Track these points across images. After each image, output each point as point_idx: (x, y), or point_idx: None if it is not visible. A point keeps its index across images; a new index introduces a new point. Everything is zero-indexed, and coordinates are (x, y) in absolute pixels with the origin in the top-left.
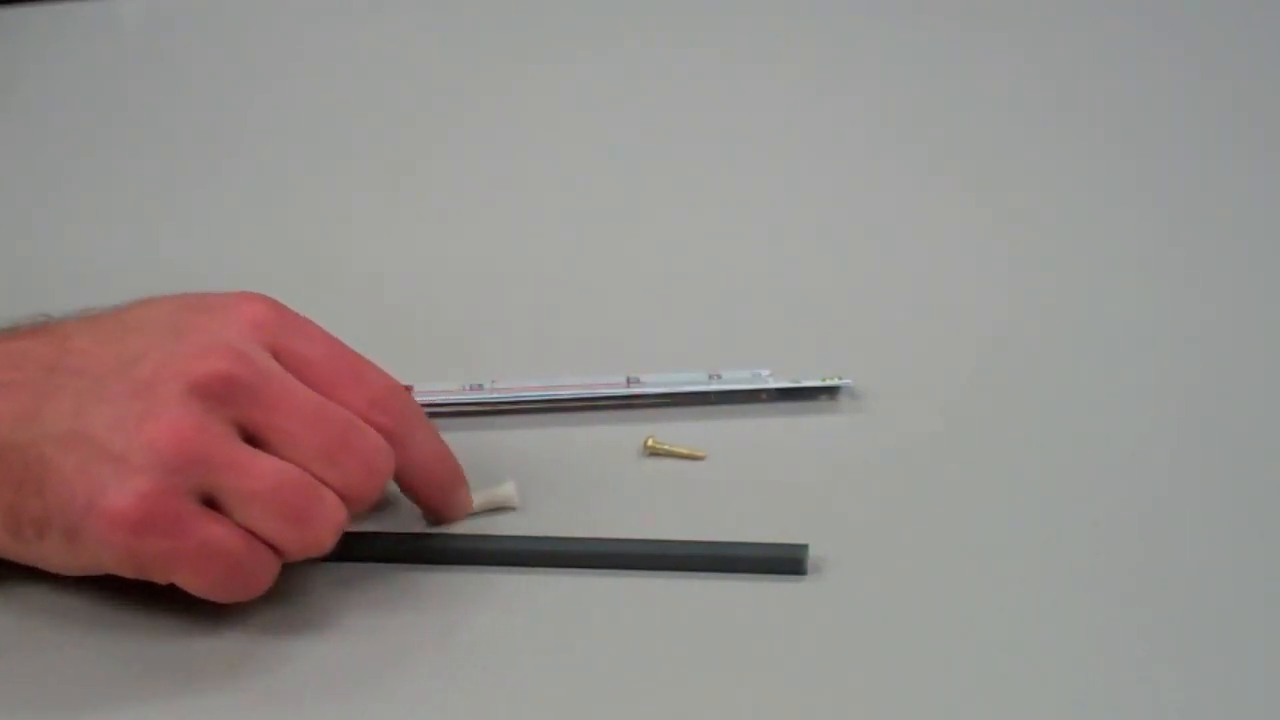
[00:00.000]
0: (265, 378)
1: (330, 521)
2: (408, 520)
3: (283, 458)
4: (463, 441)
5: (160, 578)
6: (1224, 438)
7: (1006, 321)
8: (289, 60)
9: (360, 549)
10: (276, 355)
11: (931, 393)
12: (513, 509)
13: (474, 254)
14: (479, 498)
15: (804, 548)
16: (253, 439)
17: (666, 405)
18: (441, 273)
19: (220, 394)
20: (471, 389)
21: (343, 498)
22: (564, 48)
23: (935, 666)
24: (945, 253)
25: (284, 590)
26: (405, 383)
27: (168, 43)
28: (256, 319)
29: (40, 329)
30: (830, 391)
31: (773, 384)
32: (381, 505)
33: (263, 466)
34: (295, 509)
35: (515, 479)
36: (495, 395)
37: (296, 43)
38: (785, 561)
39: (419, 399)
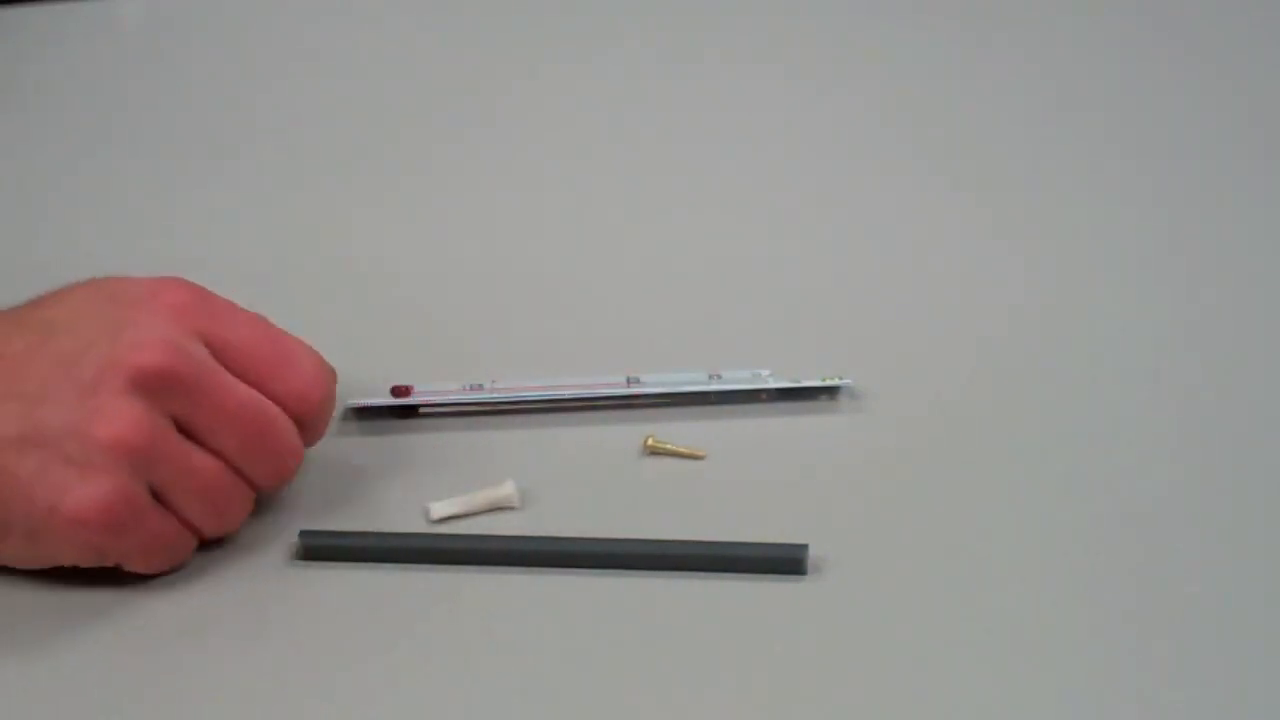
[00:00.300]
0: (199, 371)
1: (243, 511)
2: (408, 520)
3: (207, 449)
4: (463, 441)
5: (112, 564)
6: (1224, 437)
7: (1006, 321)
8: (289, 60)
9: (360, 549)
10: (205, 341)
11: (931, 393)
12: (513, 509)
13: (474, 254)
14: (479, 497)
15: (804, 548)
16: (181, 428)
17: (666, 405)
18: (442, 273)
19: (160, 388)
20: (471, 389)
21: (253, 488)
22: (564, 48)
23: (935, 666)
24: (945, 253)
25: (286, 590)
26: (405, 383)
27: (168, 43)
28: (185, 307)
29: None
30: (830, 391)
31: (773, 384)
32: (383, 508)
33: (197, 463)
34: (219, 503)
35: (515, 479)
36: (495, 395)
37: (296, 43)
38: (785, 561)
39: (419, 399)
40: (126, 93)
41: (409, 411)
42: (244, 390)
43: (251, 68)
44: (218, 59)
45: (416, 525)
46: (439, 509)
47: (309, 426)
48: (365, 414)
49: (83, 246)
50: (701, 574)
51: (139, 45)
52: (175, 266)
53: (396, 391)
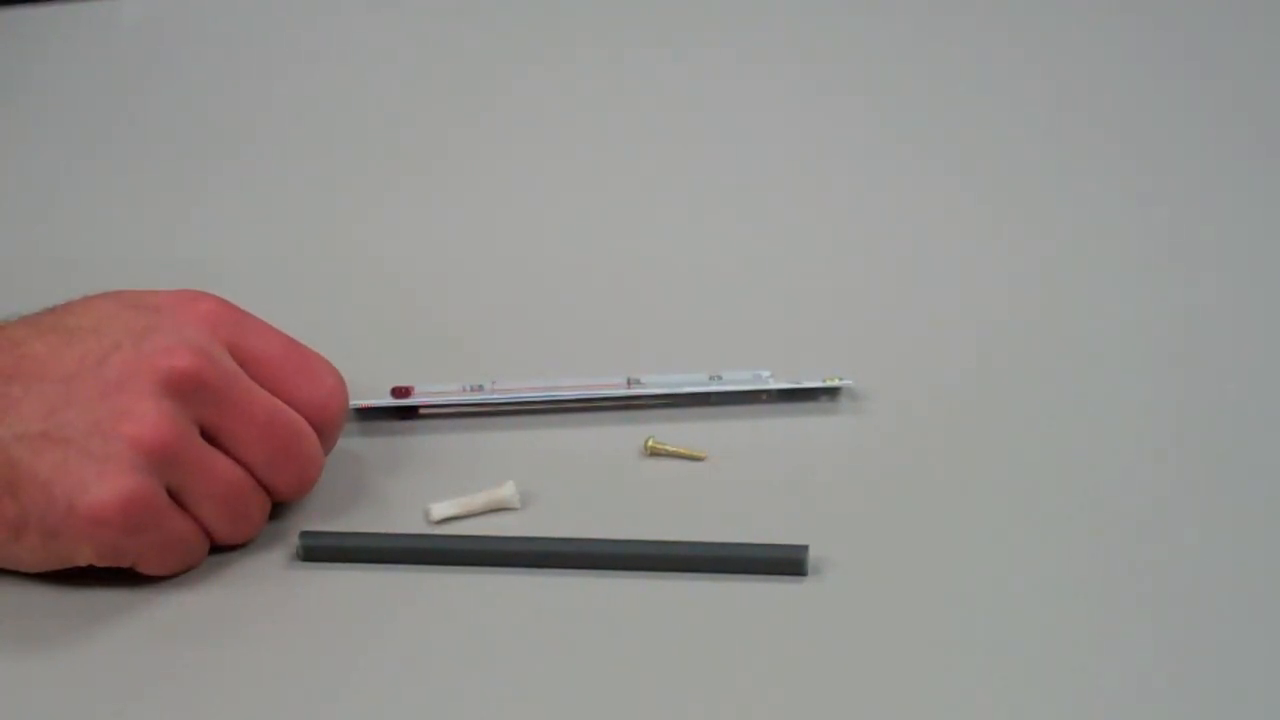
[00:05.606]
0: (228, 379)
1: (261, 520)
2: (408, 521)
3: (232, 457)
4: (463, 442)
5: (127, 564)
6: (1224, 439)
7: (1006, 322)
8: (289, 60)
9: (360, 550)
10: (232, 351)
11: (931, 393)
12: (513, 509)
13: (475, 254)
14: (479, 498)
15: (804, 549)
16: (206, 434)
17: (667, 406)
18: (442, 273)
19: (188, 392)
20: (471, 389)
21: (274, 497)
22: (566, 48)
23: (935, 667)
24: (945, 253)
25: (286, 590)
26: (406, 383)
27: (168, 43)
28: (212, 316)
29: None
30: (830, 392)
31: (773, 385)
32: (383, 509)
33: (220, 468)
34: (239, 510)
35: (515, 479)
36: (495, 396)
37: (296, 43)
38: (786, 563)
39: (420, 400)
40: (126, 93)
41: (409, 412)
42: (271, 400)
43: (251, 68)
44: (218, 59)
45: (417, 526)
46: (439, 510)
47: (325, 437)
48: (366, 414)
49: (83, 246)
50: (702, 575)
51: (139, 45)
52: (174, 266)
53: (397, 392)
